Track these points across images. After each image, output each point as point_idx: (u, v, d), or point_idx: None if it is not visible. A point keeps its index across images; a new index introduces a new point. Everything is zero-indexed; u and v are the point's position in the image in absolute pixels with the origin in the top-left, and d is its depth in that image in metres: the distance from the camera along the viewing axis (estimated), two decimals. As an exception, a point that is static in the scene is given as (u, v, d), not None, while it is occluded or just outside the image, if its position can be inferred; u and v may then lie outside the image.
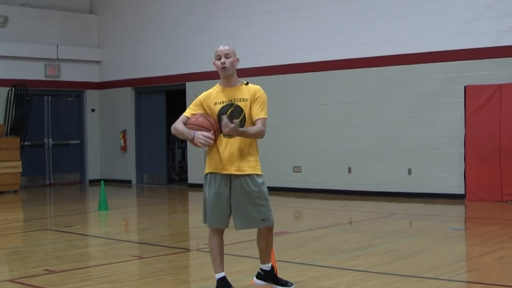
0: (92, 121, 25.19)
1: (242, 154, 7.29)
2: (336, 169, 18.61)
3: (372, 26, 17.92)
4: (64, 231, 13.13)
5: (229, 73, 7.34)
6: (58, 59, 24.01)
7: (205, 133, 7.12)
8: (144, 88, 23.93)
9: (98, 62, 25.24)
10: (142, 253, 10.87)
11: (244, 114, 7.28)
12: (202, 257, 10.07)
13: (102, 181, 17.33)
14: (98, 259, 10.43)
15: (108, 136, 24.93)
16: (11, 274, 9.32)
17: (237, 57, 7.43)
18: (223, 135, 7.26)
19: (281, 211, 16.11)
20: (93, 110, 25.20)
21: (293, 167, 19.56)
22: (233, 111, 7.29)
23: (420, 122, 17.11)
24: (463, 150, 16.31)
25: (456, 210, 15.25)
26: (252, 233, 11.95)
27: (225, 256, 9.88)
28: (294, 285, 7.65)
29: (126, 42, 24.27)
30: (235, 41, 20.41)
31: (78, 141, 25.09)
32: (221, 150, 7.29)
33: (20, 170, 21.37)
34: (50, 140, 24.17)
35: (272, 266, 7.65)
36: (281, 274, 8.07)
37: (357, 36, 18.15)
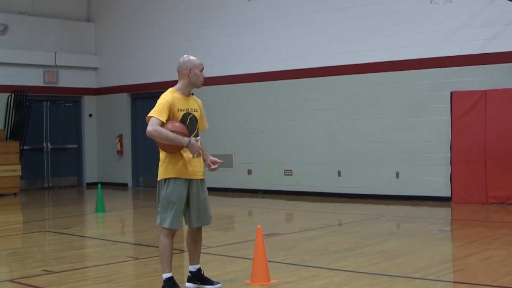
0: (89, 126, 25.16)
1: (201, 160, 7.58)
2: (326, 173, 18.62)
3: (360, 34, 17.94)
4: (62, 233, 13.10)
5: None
6: (56, 66, 23.98)
7: (198, 145, 7.30)
8: (139, 94, 23.89)
9: (95, 68, 25.22)
10: (138, 254, 10.85)
11: (198, 124, 7.59)
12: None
13: (99, 184, 17.28)
14: (95, 260, 10.41)
15: (105, 140, 24.91)
16: (11, 274, 9.30)
17: None
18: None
19: (272, 213, 16.12)
20: (90, 115, 25.17)
21: (285, 170, 19.56)
22: (192, 119, 7.50)
23: (408, 127, 17.13)
24: (449, 154, 16.34)
25: (443, 212, 15.26)
26: (245, 234, 11.97)
27: (218, 256, 9.91)
28: (220, 284, 7.72)
29: (122, 49, 24.26)
30: (227, 49, 20.50)
31: (76, 145, 25.06)
32: (186, 156, 7.39)
33: (20, 173, 21.32)
34: (48, 144, 24.13)
35: (199, 267, 7.75)
36: (272, 275, 8.09)
37: (346, 44, 18.17)
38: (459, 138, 16.14)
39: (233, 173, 20.42)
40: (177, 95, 7.45)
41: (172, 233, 7.47)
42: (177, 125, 7.28)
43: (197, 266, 7.73)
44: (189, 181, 7.45)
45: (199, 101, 7.72)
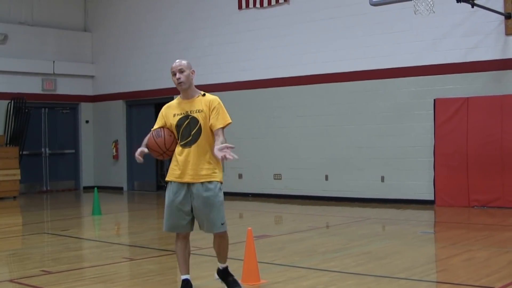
0: (86, 132, 25.13)
1: (200, 162, 7.33)
2: (314, 177, 18.62)
3: (347, 43, 17.97)
4: (60, 235, 13.06)
5: (185, 86, 7.23)
6: (54, 74, 23.93)
7: (139, 151, 7.60)
8: (134, 101, 23.88)
9: (92, 76, 25.18)
10: (133, 255, 10.83)
11: (200, 125, 7.20)
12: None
13: (96, 188, 17.26)
14: (92, 261, 10.38)
15: (101, 146, 24.87)
16: (10, 274, 9.26)
17: (192, 69, 7.31)
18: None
19: (262, 216, 16.11)
20: (87, 122, 25.14)
21: (274, 174, 19.56)
22: (189, 122, 7.21)
23: (393, 133, 17.16)
24: (433, 159, 16.36)
25: (426, 215, 15.27)
26: (236, 236, 11.96)
27: (210, 257, 9.88)
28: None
29: (118, 58, 24.24)
30: (219, 57, 20.50)
31: (73, 151, 25.01)
32: (182, 158, 7.26)
33: (19, 177, 21.27)
34: (47, 149, 24.09)
35: (226, 267, 7.56)
36: (262, 275, 8.08)
37: (334, 52, 18.20)
38: (442, 144, 16.17)
39: (224, 177, 20.25)
40: (177, 100, 7.36)
41: (178, 236, 7.36)
42: (150, 141, 7.50)
43: (223, 265, 7.54)
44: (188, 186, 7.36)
45: (210, 99, 7.33)
